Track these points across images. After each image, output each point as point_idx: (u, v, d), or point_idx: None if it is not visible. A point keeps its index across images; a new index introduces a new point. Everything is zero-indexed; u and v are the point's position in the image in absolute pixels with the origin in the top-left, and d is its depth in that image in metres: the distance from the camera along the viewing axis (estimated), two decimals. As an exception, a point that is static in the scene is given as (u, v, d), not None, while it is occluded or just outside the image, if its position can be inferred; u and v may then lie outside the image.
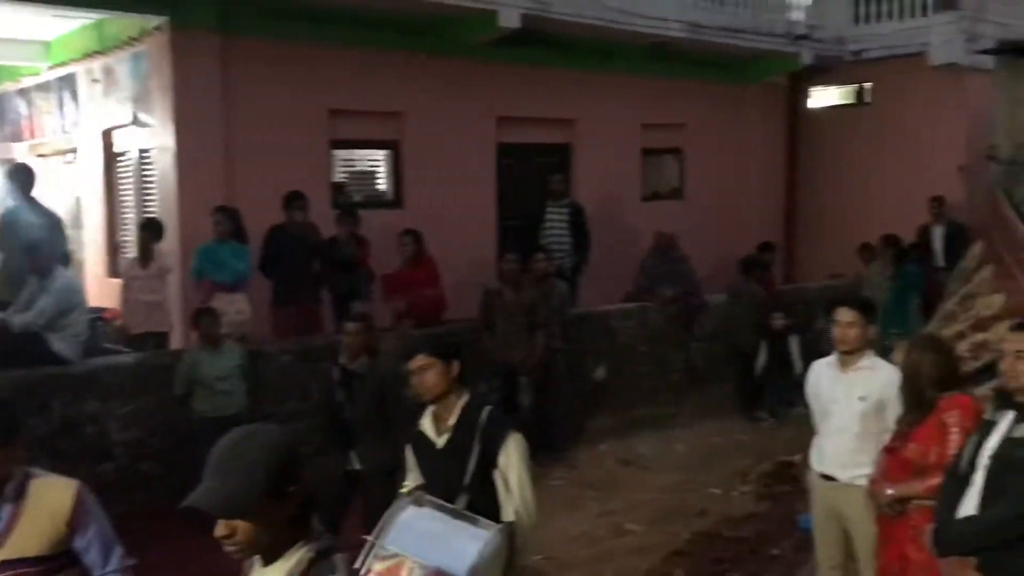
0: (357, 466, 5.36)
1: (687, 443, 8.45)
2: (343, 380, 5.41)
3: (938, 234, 10.32)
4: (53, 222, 6.96)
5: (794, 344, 9.03)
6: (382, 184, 9.92)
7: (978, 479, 3.33)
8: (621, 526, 6.51)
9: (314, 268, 7.98)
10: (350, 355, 5.41)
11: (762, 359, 9.05)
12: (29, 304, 6.33)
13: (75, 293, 6.54)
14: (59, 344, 6.49)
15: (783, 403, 8.93)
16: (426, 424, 3.53)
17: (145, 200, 9.21)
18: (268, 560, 2.09)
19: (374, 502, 4.83)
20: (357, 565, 2.90)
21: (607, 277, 9.99)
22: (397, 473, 3.73)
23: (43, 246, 6.58)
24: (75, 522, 2.90)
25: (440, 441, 3.46)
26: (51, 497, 2.90)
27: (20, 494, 2.85)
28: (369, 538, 3.01)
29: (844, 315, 4.31)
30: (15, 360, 6.22)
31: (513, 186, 10.50)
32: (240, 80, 8.47)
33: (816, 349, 7.90)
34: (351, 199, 9.40)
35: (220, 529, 2.01)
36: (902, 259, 9.43)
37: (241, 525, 2.00)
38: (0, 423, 2.85)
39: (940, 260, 10.05)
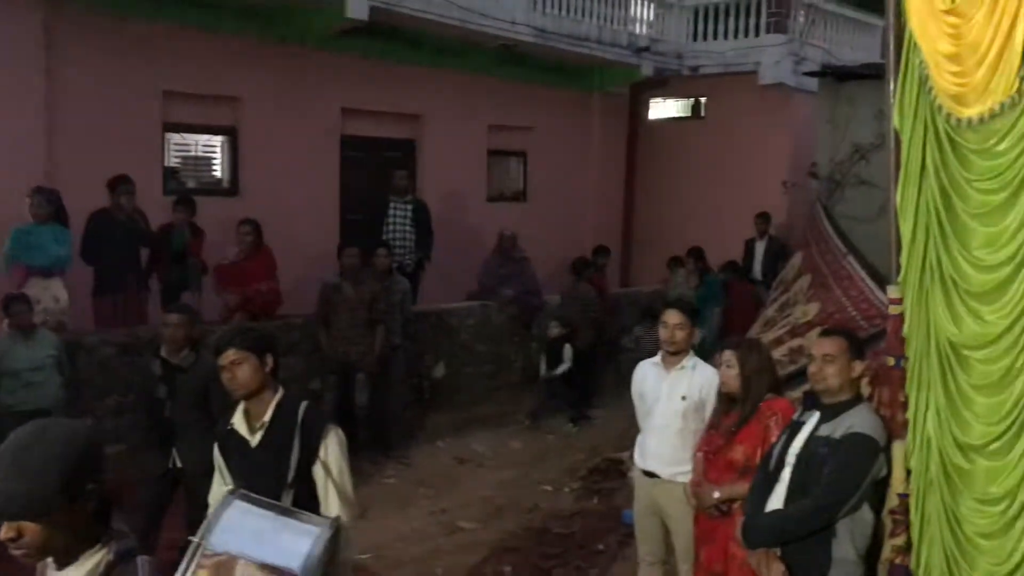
0: (179, 464, 5.15)
1: (523, 441, 8.58)
2: (165, 375, 5.18)
3: (760, 249, 10.88)
4: None
5: (567, 353, 9.18)
6: (218, 171, 9.57)
7: (785, 476, 3.53)
8: (453, 523, 6.53)
9: (140, 256, 7.62)
10: (172, 348, 5.18)
11: (543, 368, 9.30)
12: None
13: None
14: None
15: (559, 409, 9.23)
16: (238, 421, 3.41)
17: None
18: (62, 563, 1.96)
19: (196, 501, 4.64)
20: (183, 567, 2.78)
21: (450, 275, 10.01)
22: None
23: None
24: None
25: (254, 439, 3.35)
26: None
27: None
28: (194, 539, 2.89)
29: (672, 317, 4.46)
30: None
31: (357, 180, 10.37)
32: (65, 53, 7.98)
33: (635, 353, 8.28)
34: (185, 185, 9.03)
35: (5, 531, 1.87)
36: (706, 271, 10.15)
37: (29, 527, 1.87)
38: None
39: (759, 274, 10.61)
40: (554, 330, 9.17)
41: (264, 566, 2.83)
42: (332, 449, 3.30)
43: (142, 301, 7.69)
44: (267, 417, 3.34)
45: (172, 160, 9.14)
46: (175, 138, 9.13)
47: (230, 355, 3.30)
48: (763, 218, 10.96)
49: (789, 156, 12.34)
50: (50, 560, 1.99)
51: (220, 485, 3.44)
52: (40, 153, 7.84)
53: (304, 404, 3.37)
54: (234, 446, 3.39)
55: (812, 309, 7.21)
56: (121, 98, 8.32)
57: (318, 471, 3.28)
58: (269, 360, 3.35)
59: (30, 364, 6.05)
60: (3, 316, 6.22)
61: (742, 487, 3.83)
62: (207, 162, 9.57)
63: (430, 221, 9.44)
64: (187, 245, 7.73)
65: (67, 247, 7.09)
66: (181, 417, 5.10)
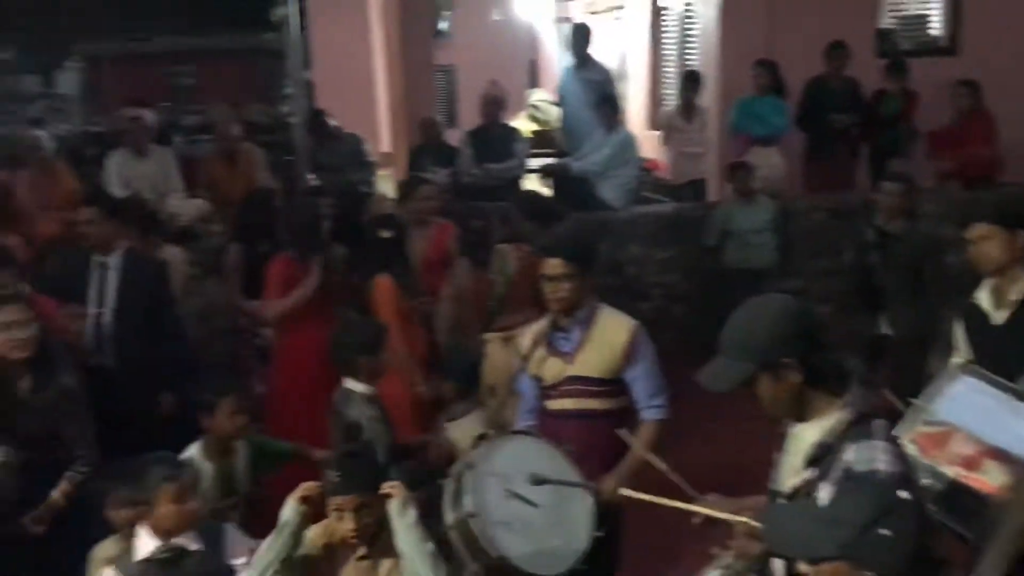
0: (886, 331, 5.22)
1: None
2: (877, 242, 5.24)
3: None
4: (608, 78, 7.56)
5: None
6: (935, 29, 9.00)
7: None
8: None
9: (850, 123, 7.60)
10: (886, 216, 5.19)
11: None
12: (589, 154, 7.01)
13: (631, 148, 7.10)
14: (607, 192, 7.14)
15: None
16: (983, 297, 3.29)
17: (686, 54, 9.51)
18: (799, 419, 2.20)
19: (902, 369, 4.69)
20: (897, 430, 2.88)
21: None
22: (928, 342, 3.55)
23: (609, 101, 7.19)
24: (629, 355, 3.28)
25: (999, 317, 3.21)
26: (613, 329, 3.32)
27: (589, 321, 3.31)
28: (915, 402, 2.95)
29: None
30: (568, 201, 6.98)
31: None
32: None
33: None
34: (897, 47, 8.71)
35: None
36: None
37: (760, 379, 2.16)
38: (584, 254, 3.31)
39: None
40: None
41: (989, 447, 2.75)
42: None
43: (851, 167, 7.77)
44: (1015, 296, 3.18)
45: (886, 21, 8.86)
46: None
47: (978, 230, 3.18)
48: None
49: None
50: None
51: (963, 359, 3.40)
52: (762, 27, 8.22)
53: None
54: (976, 322, 3.32)
55: None
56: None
57: None
58: (1022, 236, 3.15)
59: (751, 226, 6.62)
60: (728, 182, 6.88)
61: None
62: (922, 20, 9.07)
63: None
64: (899, 110, 7.52)
65: (783, 117, 7.47)
66: (892, 284, 5.13)
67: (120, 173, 6.37)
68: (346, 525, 2.55)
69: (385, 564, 2.62)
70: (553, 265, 3.23)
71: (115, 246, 4.49)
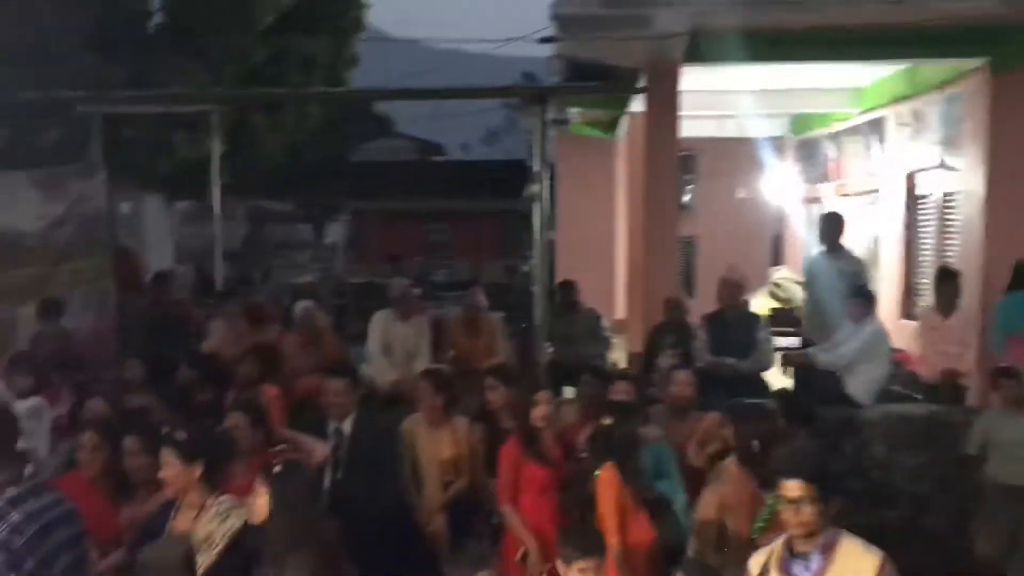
0: None
1: None
2: None
3: None
4: (861, 269, 7.29)
5: None
6: None
7: None
8: None
9: None
10: None
11: None
12: (837, 346, 6.70)
13: (882, 343, 6.71)
14: (854, 388, 6.74)
15: None
16: None
17: (944, 245, 9.03)
18: None
19: None
20: None
21: None
22: None
23: (862, 294, 6.91)
24: (875, 591, 3.01)
25: None
26: (856, 560, 3.06)
27: (830, 550, 3.09)
28: None
29: None
30: (812, 395, 6.64)
31: None
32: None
33: None
34: None
35: None
36: None
37: None
38: (825, 474, 3.12)
39: None
40: None
41: None
42: None
43: None
44: None
45: None
46: None
47: None
48: None
49: None
50: None
51: None
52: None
53: None
54: None
55: None
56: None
57: None
58: None
59: (1020, 439, 5.97)
60: (992, 389, 6.29)
61: None
62: None
63: None
64: None
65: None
66: None
67: (383, 333, 7.01)
68: None
69: None
70: (792, 488, 3.06)
71: (349, 413, 5.07)
